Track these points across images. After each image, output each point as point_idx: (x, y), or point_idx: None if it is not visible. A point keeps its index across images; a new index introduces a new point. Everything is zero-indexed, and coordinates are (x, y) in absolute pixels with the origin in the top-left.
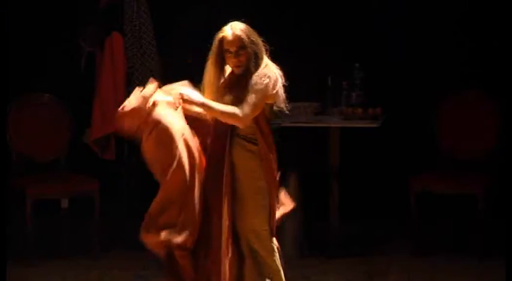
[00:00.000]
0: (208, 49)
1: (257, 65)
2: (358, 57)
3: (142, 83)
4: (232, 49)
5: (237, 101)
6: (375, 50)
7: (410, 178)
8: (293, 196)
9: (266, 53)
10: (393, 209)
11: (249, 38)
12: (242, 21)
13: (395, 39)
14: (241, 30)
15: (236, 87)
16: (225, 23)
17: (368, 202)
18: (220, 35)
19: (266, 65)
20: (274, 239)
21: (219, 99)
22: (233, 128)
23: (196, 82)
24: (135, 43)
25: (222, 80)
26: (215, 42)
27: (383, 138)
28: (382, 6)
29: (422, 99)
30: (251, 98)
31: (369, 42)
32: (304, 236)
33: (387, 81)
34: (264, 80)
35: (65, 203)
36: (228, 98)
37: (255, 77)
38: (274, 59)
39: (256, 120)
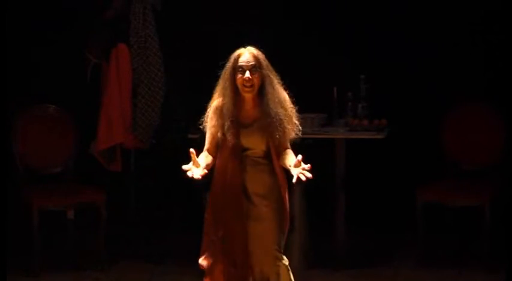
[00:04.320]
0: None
1: (272, 91)
2: (364, 69)
3: (148, 95)
4: (247, 67)
5: (262, 131)
6: (381, 61)
7: (416, 189)
8: (299, 207)
9: (280, 84)
10: (399, 220)
11: (264, 61)
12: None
13: (401, 50)
14: (258, 52)
15: (258, 118)
16: (231, 36)
17: (374, 213)
18: (237, 53)
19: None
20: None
21: (236, 131)
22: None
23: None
24: (140, 55)
25: (232, 107)
26: (230, 62)
27: (389, 150)
28: (388, 17)
29: (428, 110)
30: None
31: (374, 54)
32: (310, 247)
33: (393, 93)
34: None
35: (71, 215)
36: (251, 129)
37: (288, 105)
38: (280, 70)
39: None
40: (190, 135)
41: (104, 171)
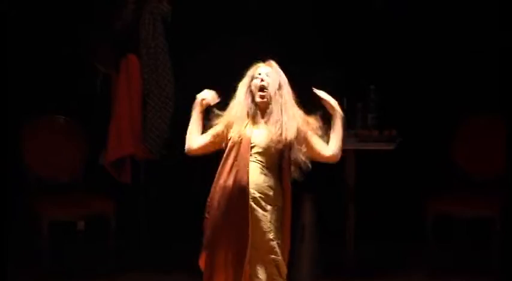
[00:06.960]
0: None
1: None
2: (374, 79)
3: (158, 106)
4: (263, 71)
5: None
6: (391, 72)
7: (426, 200)
8: (308, 218)
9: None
10: (409, 231)
11: (281, 73)
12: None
13: (411, 61)
14: (276, 64)
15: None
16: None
17: (384, 224)
18: (256, 64)
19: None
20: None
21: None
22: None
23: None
24: (151, 65)
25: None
26: (249, 71)
27: (399, 160)
28: (399, 28)
29: (438, 121)
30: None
31: (384, 64)
32: (319, 258)
33: (403, 104)
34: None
35: (81, 225)
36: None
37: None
38: (289, 81)
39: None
40: None
41: (114, 181)
